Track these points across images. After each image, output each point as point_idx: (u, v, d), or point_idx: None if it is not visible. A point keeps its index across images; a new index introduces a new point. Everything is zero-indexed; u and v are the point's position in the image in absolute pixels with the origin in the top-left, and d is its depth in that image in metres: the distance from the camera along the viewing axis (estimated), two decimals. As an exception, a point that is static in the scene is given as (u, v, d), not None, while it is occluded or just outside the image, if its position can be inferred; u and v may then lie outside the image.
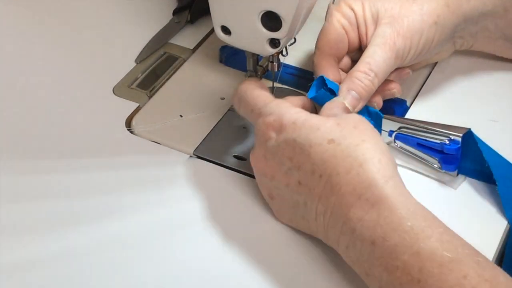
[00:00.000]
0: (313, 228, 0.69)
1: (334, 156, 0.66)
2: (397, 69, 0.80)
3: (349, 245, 0.65)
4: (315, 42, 0.80)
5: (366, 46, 0.79)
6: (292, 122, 0.69)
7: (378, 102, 0.79)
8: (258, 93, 0.74)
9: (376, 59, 0.76)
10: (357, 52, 0.81)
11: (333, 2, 0.80)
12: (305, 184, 0.68)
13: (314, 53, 0.80)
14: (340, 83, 0.77)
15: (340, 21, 0.79)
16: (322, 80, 0.76)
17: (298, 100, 0.75)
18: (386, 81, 0.79)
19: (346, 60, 0.82)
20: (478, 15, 0.81)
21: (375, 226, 0.62)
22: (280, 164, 0.70)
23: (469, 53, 0.86)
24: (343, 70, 0.81)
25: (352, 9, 0.79)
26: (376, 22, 0.79)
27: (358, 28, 0.80)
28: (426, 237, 0.61)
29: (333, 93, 0.75)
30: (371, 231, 0.63)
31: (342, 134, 0.67)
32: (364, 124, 0.69)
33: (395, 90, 0.80)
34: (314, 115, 0.70)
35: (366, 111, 0.78)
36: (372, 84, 0.76)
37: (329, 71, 0.78)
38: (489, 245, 0.69)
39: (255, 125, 0.72)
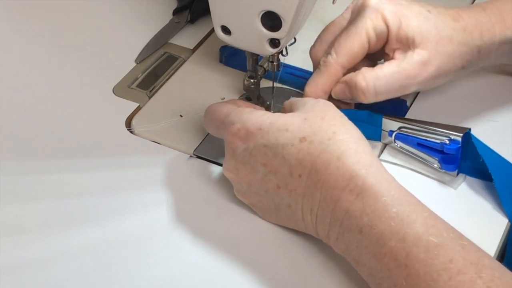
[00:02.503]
0: (301, 227, 0.69)
1: (309, 154, 0.66)
2: None
3: (338, 236, 0.65)
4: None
5: (385, 60, 0.77)
6: (258, 128, 0.68)
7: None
8: (220, 107, 0.73)
9: (389, 81, 0.74)
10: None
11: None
12: (285, 187, 0.68)
13: (329, 53, 0.76)
14: (325, 95, 0.77)
15: (369, 33, 0.75)
16: None
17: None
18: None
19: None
20: (505, 57, 0.80)
21: (361, 215, 0.63)
22: (254, 171, 0.69)
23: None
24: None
25: (387, 25, 0.75)
26: (409, 45, 0.75)
27: (386, 43, 0.76)
28: (412, 222, 0.61)
29: None
30: (358, 220, 0.63)
31: (311, 130, 0.67)
32: (332, 111, 0.68)
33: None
34: (279, 115, 0.69)
35: (365, 116, 0.78)
36: (365, 97, 0.75)
37: (328, 80, 0.76)
38: (489, 245, 0.69)
39: (224, 139, 0.72)
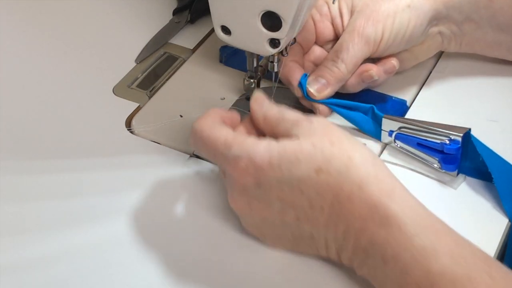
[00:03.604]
0: (323, 253, 0.67)
1: (328, 185, 0.63)
2: (381, 60, 0.81)
3: (361, 264, 0.64)
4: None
5: None
6: (268, 163, 0.64)
7: (377, 73, 0.79)
8: (215, 133, 0.67)
9: (344, 46, 0.78)
10: (333, 43, 0.82)
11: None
12: (305, 219, 0.65)
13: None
14: (301, 65, 0.80)
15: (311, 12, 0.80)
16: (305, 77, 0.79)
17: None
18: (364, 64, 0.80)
19: (319, 52, 0.83)
20: (459, 1, 0.80)
21: (385, 246, 0.61)
22: (269, 205, 0.66)
23: (469, 53, 0.86)
24: (315, 62, 0.82)
25: (326, 2, 0.80)
26: (351, 12, 0.80)
27: (333, 20, 0.81)
28: (437, 254, 0.60)
29: None
30: (382, 251, 0.61)
31: (324, 158, 0.63)
32: (335, 131, 0.65)
33: (372, 71, 0.79)
34: (284, 143, 0.65)
35: (370, 111, 0.78)
36: (339, 70, 0.78)
37: (290, 53, 0.79)
38: (489, 245, 0.69)
39: (224, 171, 0.68)
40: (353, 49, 0.78)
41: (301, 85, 0.79)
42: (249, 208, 0.67)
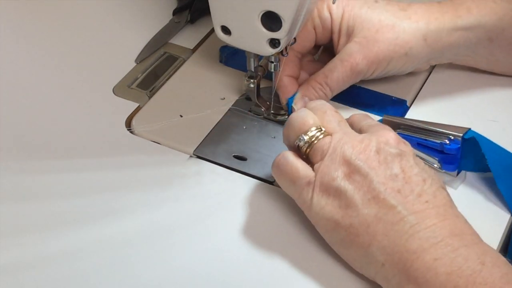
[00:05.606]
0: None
1: None
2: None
3: None
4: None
5: (336, 53, 0.81)
6: None
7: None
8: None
9: (334, 75, 0.79)
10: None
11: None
12: None
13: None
14: (297, 78, 0.81)
15: (314, 20, 0.80)
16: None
17: None
18: None
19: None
20: (458, 47, 0.81)
21: None
22: None
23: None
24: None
25: (331, 14, 0.80)
26: (350, 35, 0.80)
27: (332, 34, 0.81)
28: None
29: None
30: None
31: None
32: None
33: None
34: None
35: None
36: (325, 95, 0.80)
37: (287, 67, 0.80)
38: (490, 245, 0.69)
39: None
40: (343, 80, 0.79)
41: (288, 105, 0.80)
42: None
